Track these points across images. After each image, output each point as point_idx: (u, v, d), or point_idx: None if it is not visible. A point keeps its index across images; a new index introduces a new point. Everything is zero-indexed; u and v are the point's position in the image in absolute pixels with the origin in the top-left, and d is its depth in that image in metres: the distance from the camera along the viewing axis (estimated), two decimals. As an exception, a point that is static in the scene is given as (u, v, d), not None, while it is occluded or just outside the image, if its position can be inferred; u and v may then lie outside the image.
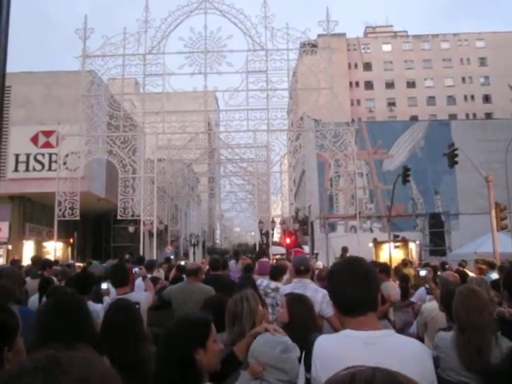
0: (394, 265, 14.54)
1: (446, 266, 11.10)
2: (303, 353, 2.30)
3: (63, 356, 0.93)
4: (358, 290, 2.13)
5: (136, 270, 6.82)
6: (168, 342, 2.47)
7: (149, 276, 8.72)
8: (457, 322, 3.21)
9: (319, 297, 5.10)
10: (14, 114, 22.50)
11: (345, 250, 15.08)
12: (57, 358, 0.92)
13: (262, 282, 6.89)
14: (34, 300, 6.25)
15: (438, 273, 8.15)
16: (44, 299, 5.79)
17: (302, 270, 5.41)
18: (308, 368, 2.19)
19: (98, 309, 4.69)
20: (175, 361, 2.37)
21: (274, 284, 6.73)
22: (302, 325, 3.57)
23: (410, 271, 12.31)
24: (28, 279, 7.92)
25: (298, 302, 3.81)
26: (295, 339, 3.14)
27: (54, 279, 7.42)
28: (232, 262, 12.23)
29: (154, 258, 17.32)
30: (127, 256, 16.06)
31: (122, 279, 5.34)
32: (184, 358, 2.38)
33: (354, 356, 1.99)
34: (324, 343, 2.19)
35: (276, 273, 7.30)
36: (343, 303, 2.18)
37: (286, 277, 7.14)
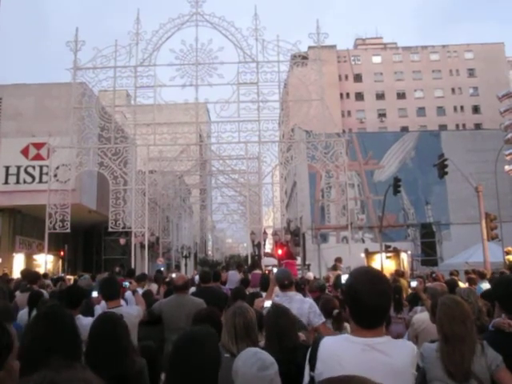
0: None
1: (434, 275, 11.13)
2: (308, 352, 2.42)
3: (62, 379, 0.93)
4: (377, 310, 2.27)
5: (126, 283, 6.77)
6: (201, 351, 2.51)
7: (140, 289, 8.69)
8: (441, 332, 3.24)
9: (306, 308, 5.10)
10: (5, 126, 22.45)
11: (338, 260, 15.01)
12: (56, 381, 0.92)
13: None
14: (23, 314, 6.19)
15: (428, 284, 8.17)
16: (34, 313, 5.74)
17: (286, 284, 5.37)
18: (312, 367, 2.33)
19: (87, 322, 4.65)
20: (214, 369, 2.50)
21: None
22: (283, 336, 3.56)
23: (403, 282, 12.31)
24: (17, 293, 7.86)
25: (279, 314, 3.79)
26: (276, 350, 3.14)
27: (44, 292, 7.37)
28: (233, 273, 12.23)
29: (146, 270, 17.25)
30: (117, 269, 15.98)
31: (112, 293, 5.29)
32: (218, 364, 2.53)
33: (351, 360, 2.20)
34: (327, 345, 2.34)
35: (267, 284, 7.28)
36: (361, 319, 2.29)
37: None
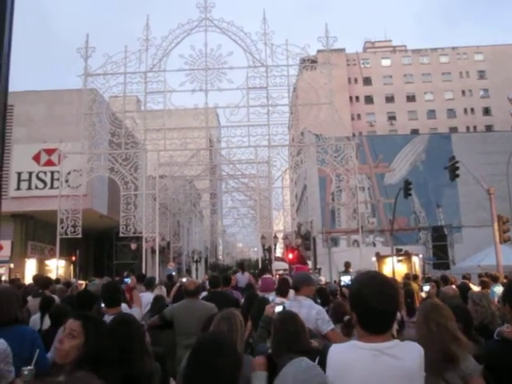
0: (397, 279, 14.47)
1: (444, 278, 11.04)
2: (316, 362, 2.43)
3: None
4: (386, 314, 2.29)
5: (127, 280, 6.77)
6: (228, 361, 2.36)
7: (150, 293, 8.70)
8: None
9: (313, 314, 5.07)
10: (17, 133, 22.63)
11: (347, 265, 15.06)
12: None
13: (275, 299, 6.85)
14: (35, 319, 6.24)
15: (440, 288, 8.11)
16: (46, 318, 5.77)
17: (299, 288, 5.38)
18: None
19: None
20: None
21: (279, 300, 6.68)
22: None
23: (414, 286, 12.24)
24: (30, 298, 7.91)
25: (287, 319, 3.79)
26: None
27: (56, 298, 7.41)
28: (238, 274, 12.85)
29: (157, 274, 17.27)
30: (125, 273, 15.97)
31: (113, 299, 5.25)
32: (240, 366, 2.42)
33: (362, 366, 2.19)
34: (335, 353, 2.32)
35: (283, 288, 7.28)
36: (370, 324, 2.29)
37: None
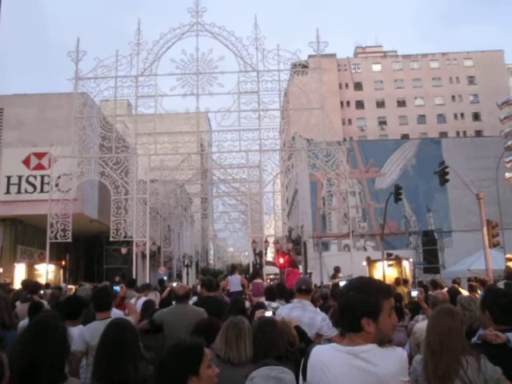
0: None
1: (433, 283, 11.08)
2: (302, 362, 2.45)
3: None
4: (343, 312, 2.39)
5: (117, 288, 6.72)
6: (160, 371, 2.33)
7: (143, 298, 8.66)
8: (426, 342, 3.10)
9: (319, 319, 5.28)
10: (7, 136, 22.51)
11: (337, 270, 15.12)
12: None
13: (270, 304, 6.87)
14: (24, 324, 6.18)
15: (429, 292, 8.14)
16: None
17: (304, 289, 5.52)
18: (305, 377, 2.37)
19: (74, 332, 4.59)
20: None
21: (275, 304, 6.72)
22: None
23: (403, 290, 12.27)
24: (18, 303, 7.85)
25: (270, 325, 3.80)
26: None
27: (45, 303, 7.35)
28: (231, 278, 12.95)
29: (147, 279, 17.22)
30: (117, 278, 15.88)
31: (103, 303, 5.22)
32: None
33: (337, 369, 2.24)
34: (315, 354, 2.38)
35: (271, 294, 7.28)
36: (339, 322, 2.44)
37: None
